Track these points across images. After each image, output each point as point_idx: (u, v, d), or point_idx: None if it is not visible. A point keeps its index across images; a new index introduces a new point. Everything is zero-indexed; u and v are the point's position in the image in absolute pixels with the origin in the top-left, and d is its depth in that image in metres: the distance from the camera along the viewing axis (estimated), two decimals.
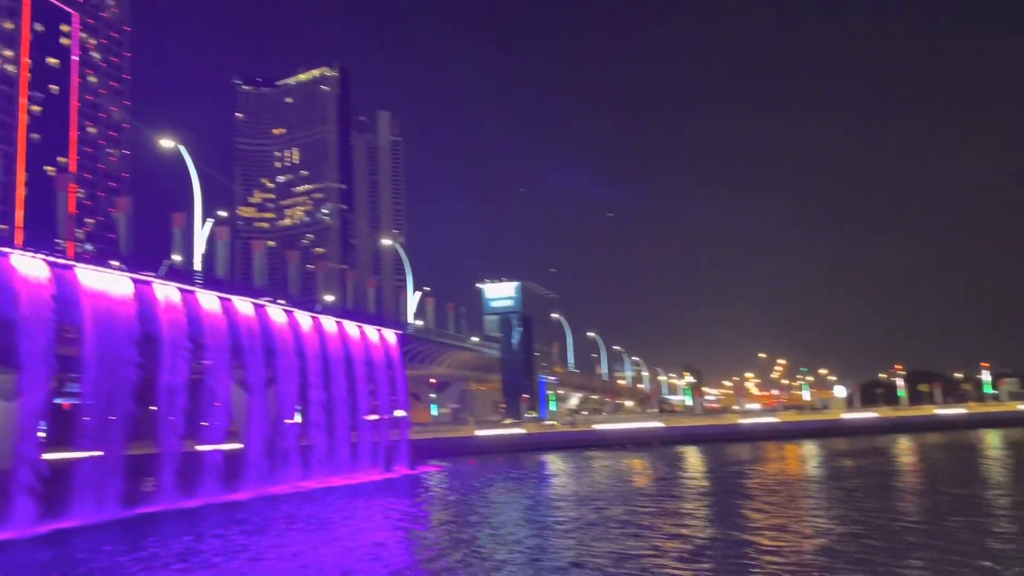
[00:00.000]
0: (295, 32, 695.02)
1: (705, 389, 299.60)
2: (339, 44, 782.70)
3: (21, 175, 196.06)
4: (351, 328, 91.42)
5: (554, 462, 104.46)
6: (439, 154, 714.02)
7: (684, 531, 42.89)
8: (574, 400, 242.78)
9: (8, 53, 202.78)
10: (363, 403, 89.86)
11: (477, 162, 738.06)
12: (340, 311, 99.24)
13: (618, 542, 39.85)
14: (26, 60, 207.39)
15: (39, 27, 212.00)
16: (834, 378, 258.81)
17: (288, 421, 77.81)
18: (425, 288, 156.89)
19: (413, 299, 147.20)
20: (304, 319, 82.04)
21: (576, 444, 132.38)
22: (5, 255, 50.52)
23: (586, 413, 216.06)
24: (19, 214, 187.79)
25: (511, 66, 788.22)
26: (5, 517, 47.51)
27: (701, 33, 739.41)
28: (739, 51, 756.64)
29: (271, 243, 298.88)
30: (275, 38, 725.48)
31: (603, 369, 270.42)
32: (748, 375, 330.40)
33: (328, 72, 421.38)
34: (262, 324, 73.82)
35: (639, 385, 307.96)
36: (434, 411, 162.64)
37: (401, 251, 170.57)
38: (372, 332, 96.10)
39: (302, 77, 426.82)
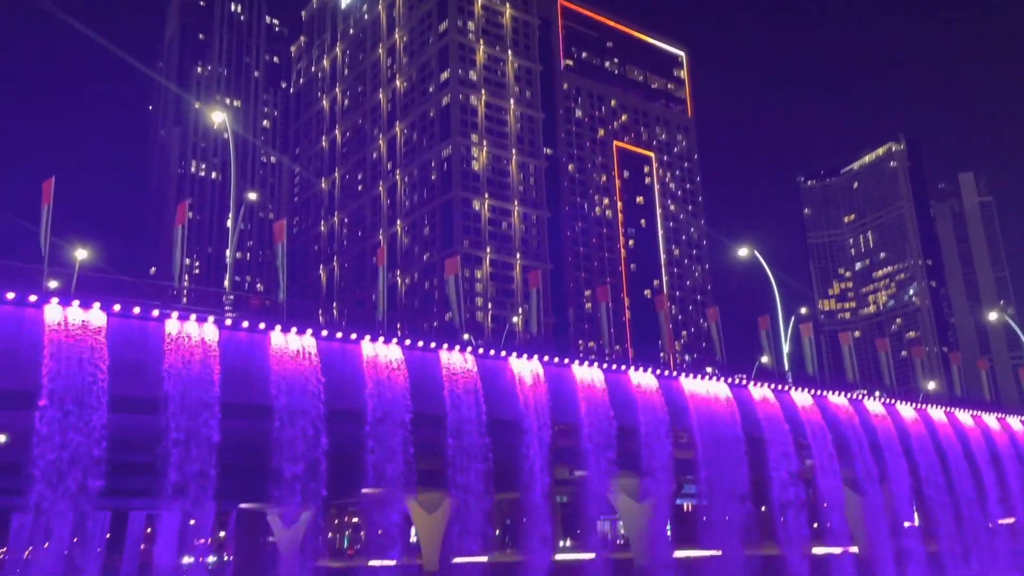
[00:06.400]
0: (850, 117, 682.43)
1: None
2: (900, 117, 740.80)
3: (625, 302, 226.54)
4: (964, 418, 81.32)
5: None
6: None
7: None
8: None
9: (605, 201, 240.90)
10: (995, 504, 78.04)
11: None
12: (948, 399, 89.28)
13: None
14: (619, 203, 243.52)
15: (626, 174, 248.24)
16: None
17: (907, 524, 71.35)
18: None
19: None
20: (907, 411, 75.69)
21: None
22: (624, 371, 57.82)
23: None
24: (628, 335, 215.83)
25: None
26: None
27: None
28: None
29: (857, 333, 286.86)
30: (830, 128, 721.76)
31: None
32: None
33: (895, 147, 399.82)
34: (862, 419, 70.27)
35: None
36: None
37: (1013, 324, 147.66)
38: (991, 421, 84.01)
39: (866, 159, 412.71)
